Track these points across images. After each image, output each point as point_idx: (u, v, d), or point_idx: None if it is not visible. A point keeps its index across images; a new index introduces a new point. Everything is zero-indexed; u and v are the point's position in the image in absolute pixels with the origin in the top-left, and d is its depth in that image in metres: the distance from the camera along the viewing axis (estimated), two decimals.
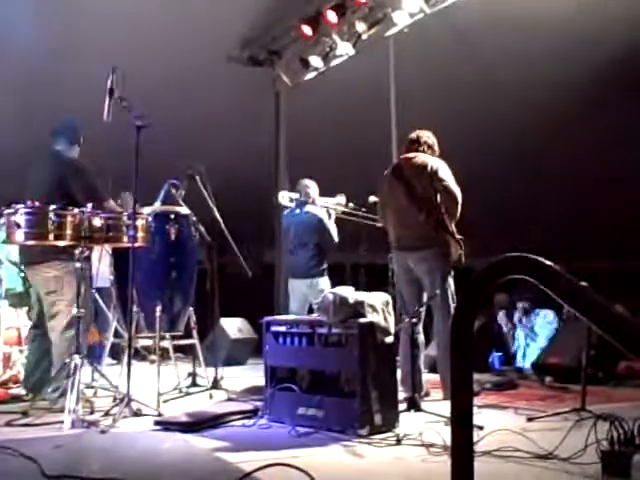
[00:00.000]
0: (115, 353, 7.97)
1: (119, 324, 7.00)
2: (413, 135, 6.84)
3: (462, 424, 2.36)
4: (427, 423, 5.03)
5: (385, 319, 5.23)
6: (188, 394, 6.77)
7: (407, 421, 5.14)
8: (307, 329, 5.35)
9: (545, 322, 9.09)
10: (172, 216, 6.87)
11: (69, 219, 5.53)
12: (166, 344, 6.86)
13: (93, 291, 7.60)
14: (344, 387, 5.09)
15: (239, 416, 5.49)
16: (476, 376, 4.90)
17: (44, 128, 6.56)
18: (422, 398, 6.00)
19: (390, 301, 5.43)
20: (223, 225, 7.11)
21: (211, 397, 6.64)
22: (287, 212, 8.83)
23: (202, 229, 7.14)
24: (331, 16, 8.97)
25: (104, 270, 7.56)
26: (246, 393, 6.63)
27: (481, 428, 4.70)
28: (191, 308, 7.05)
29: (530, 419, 5.36)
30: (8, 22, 8.90)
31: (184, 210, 7.04)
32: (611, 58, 10.62)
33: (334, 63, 9.53)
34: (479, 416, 5.15)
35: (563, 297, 2.23)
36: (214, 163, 7.26)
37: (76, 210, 5.58)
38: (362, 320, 5.06)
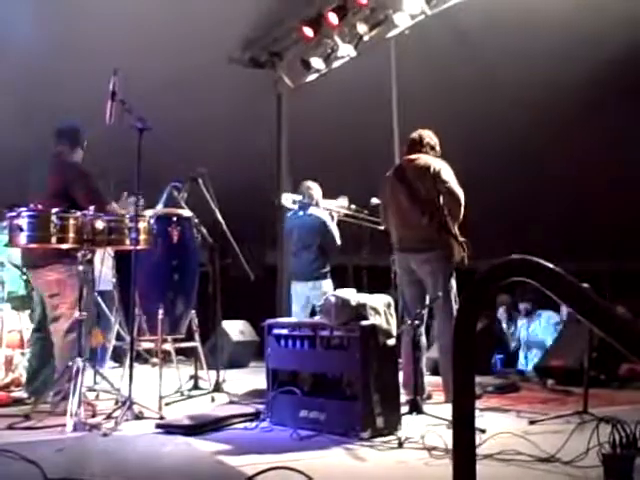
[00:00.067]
0: (117, 356, 7.97)
1: (121, 327, 7.00)
2: (415, 135, 6.83)
3: (464, 427, 2.35)
4: (429, 426, 5.03)
5: (387, 321, 5.23)
6: (190, 397, 6.77)
7: (409, 424, 5.13)
8: (309, 332, 5.34)
9: (548, 324, 9.10)
10: (174, 218, 6.87)
11: (71, 222, 5.54)
12: (168, 347, 6.86)
13: (95, 294, 7.60)
14: (346, 390, 5.08)
15: (241, 419, 5.48)
16: (478, 379, 4.91)
17: (44, 129, 6.57)
18: (424, 401, 6.00)
19: (392, 303, 5.43)
20: (225, 227, 7.10)
21: (213, 400, 6.64)
22: (290, 214, 8.83)
23: (204, 231, 7.14)
24: (332, 18, 8.97)
25: (106, 273, 7.56)
26: (248, 396, 6.61)
27: (483, 431, 4.70)
28: (193, 311, 7.05)
29: (532, 422, 5.34)
30: (8, 22, 8.91)
31: (186, 212, 7.03)
32: (611, 59, 10.61)
33: (335, 65, 9.54)
34: (481, 419, 5.15)
35: (565, 300, 2.23)
36: (216, 165, 7.26)
37: (78, 213, 5.58)
38: (364, 322, 5.06)
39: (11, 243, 5.69)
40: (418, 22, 8.48)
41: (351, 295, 5.24)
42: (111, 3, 9.06)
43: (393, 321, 5.31)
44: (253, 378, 7.95)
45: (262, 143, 10.68)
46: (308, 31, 9.33)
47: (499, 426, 5.04)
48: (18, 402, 6.39)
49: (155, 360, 7.68)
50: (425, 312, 6.47)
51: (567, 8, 9.59)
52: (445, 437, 4.49)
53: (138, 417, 5.51)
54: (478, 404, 4.46)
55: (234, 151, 10.92)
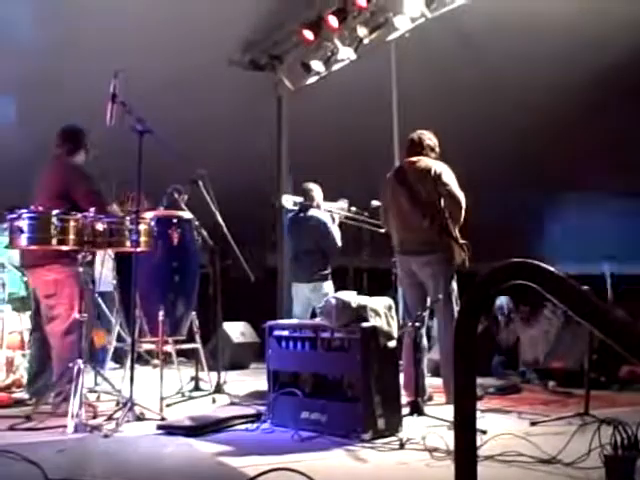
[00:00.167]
0: (118, 357, 7.97)
1: (122, 328, 7.01)
2: (415, 137, 6.82)
3: (465, 428, 2.36)
4: (430, 427, 5.04)
5: (388, 323, 5.23)
6: (191, 398, 6.77)
7: (410, 425, 5.13)
8: (310, 333, 5.35)
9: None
10: (175, 220, 6.88)
11: (72, 224, 5.54)
12: (169, 348, 6.87)
13: (96, 295, 7.60)
14: (347, 391, 5.09)
15: (242, 420, 5.49)
16: (479, 380, 4.91)
17: (45, 130, 6.57)
18: (425, 402, 5.99)
19: (393, 305, 5.44)
20: (225, 229, 7.11)
21: (214, 401, 6.64)
22: (291, 216, 8.84)
23: (204, 233, 7.14)
24: (332, 21, 8.97)
25: (107, 274, 7.57)
26: (249, 397, 6.62)
27: (484, 432, 4.70)
28: (194, 312, 7.05)
29: (533, 423, 5.35)
30: (8, 22, 8.91)
31: (186, 214, 7.04)
32: (614, 63, 10.62)
33: (336, 68, 9.54)
34: (482, 420, 5.15)
35: (565, 302, 2.23)
36: (216, 167, 7.26)
37: (79, 215, 5.58)
38: (365, 324, 5.07)
39: (11, 245, 5.69)
40: (418, 25, 8.48)
41: (352, 297, 5.25)
42: (112, 3, 9.06)
43: (394, 323, 5.32)
44: (254, 379, 7.95)
45: (262, 145, 10.69)
46: (308, 34, 9.34)
47: (500, 427, 5.04)
48: (19, 403, 6.40)
49: (156, 361, 7.70)
50: (426, 314, 6.48)
51: (570, 12, 9.59)
52: (446, 438, 4.50)
53: (139, 418, 5.52)
54: (479, 405, 4.46)
55: (234, 153, 10.93)
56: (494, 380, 7.86)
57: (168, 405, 6.18)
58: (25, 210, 5.50)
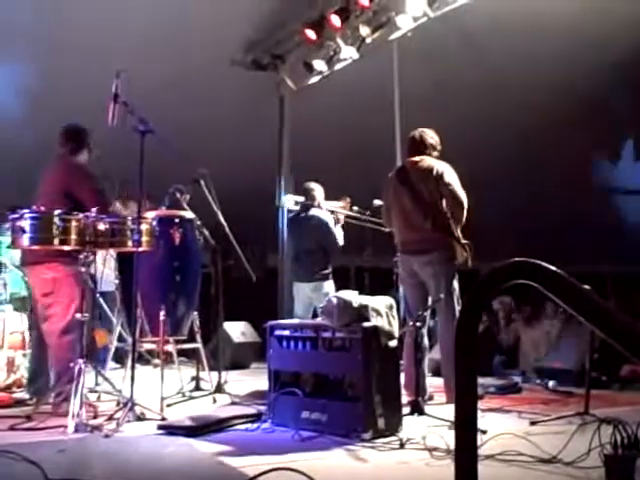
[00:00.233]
0: (119, 357, 7.97)
1: (123, 328, 7.01)
2: (416, 135, 6.81)
3: (466, 428, 2.36)
4: (431, 427, 5.04)
5: (389, 323, 5.23)
6: (192, 398, 6.76)
7: (411, 425, 5.14)
8: (311, 333, 5.36)
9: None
10: (176, 220, 6.88)
11: (74, 224, 5.54)
12: (170, 348, 6.87)
13: (97, 295, 7.61)
14: (348, 391, 5.09)
15: (243, 420, 5.49)
16: (479, 380, 4.91)
17: (46, 129, 6.57)
18: (426, 402, 5.99)
19: (394, 305, 5.44)
20: (227, 229, 7.11)
21: (215, 401, 6.65)
22: (292, 215, 8.84)
23: (206, 233, 7.15)
24: (335, 20, 8.96)
25: (109, 274, 7.57)
26: (250, 397, 6.62)
27: (484, 432, 4.70)
28: (195, 312, 7.05)
29: (533, 423, 5.35)
30: (8, 21, 8.91)
31: (188, 214, 7.05)
32: (616, 62, 10.63)
33: (338, 67, 9.53)
34: (482, 420, 5.16)
35: (566, 302, 2.23)
36: (218, 167, 7.26)
37: (81, 215, 5.58)
38: (366, 324, 5.07)
39: (13, 245, 5.69)
40: (421, 24, 8.47)
41: (353, 297, 5.25)
42: (114, 3, 9.07)
43: (395, 323, 5.32)
44: (255, 379, 7.95)
45: (264, 145, 10.68)
46: (310, 33, 9.33)
47: (500, 427, 5.05)
48: (20, 403, 6.40)
49: (157, 361, 7.70)
50: (427, 313, 6.48)
51: (572, 11, 9.59)
52: (446, 438, 4.50)
53: (140, 418, 5.52)
54: (480, 405, 4.46)
55: (236, 153, 10.93)
56: (494, 380, 7.86)
57: (169, 405, 6.18)
58: (27, 210, 5.50)
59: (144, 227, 5.94)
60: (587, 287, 2.35)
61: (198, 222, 7.10)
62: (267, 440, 5.01)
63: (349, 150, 11.50)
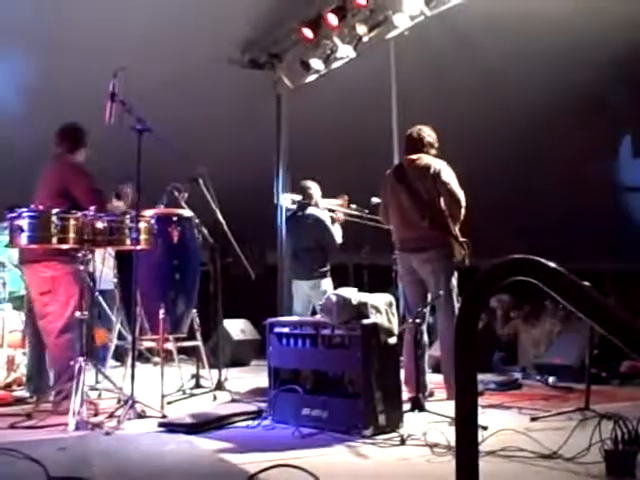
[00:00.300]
0: (119, 355, 7.98)
1: (123, 326, 7.01)
2: (414, 133, 6.80)
3: (466, 424, 2.36)
4: (431, 423, 5.04)
5: (389, 320, 5.24)
6: (192, 396, 6.78)
7: (411, 421, 5.14)
8: (311, 330, 5.36)
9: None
10: (175, 218, 6.88)
11: (72, 222, 5.55)
12: (170, 346, 6.87)
13: (97, 294, 7.61)
14: (348, 388, 5.10)
15: (243, 417, 5.49)
16: (480, 376, 4.92)
17: (45, 128, 6.57)
18: (426, 398, 6.00)
19: (393, 302, 5.44)
20: (226, 227, 7.12)
21: (215, 398, 6.66)
22: (289, 214, 8.84)
23: (205, 231, 7.15)
24: (332, 19, 8.96)
25: (107, 273, 7.57)
26: (250, 394, 6.63)
27: (485, 428, 4.70)
28: (194, 310, 7.06)
29: (534, 419, 5.36)
30: (8, 21, 8.91)
31: (187, 212, 7.05)
32: (611, 61, 10.64)
33: (335, 66, 9.52)
34: (483, 416, 5.15)
35: (566, 298, 2.24)
36: (216, 165, 7.26)
37: (79, 213, 5.59)
38: (365, 321, 5.07)
39: (12, 244, 5.69)
40: (417, 23, 8.47)
41: (352, 294, 5.26)
42: (112, 3, 9.07)
43: (394, 320, 5.33)
44: (254, 377, 7.96)
45: (262, 143, 10.68)
46: (307, 32, 9.32)
47: (501, 423, 5.06)
48: (20, 401, 6.41)
49: (157, 359, 7.71)
50: (427, 310, 6.49)
51: (567, 11, 9.60)
52: (447, 434, 4.51)
53: (140, 416, 5.54)
54: (480, 401, 4.47)
55: (234, 151, 10.93)
56: (495, 376, 7.86)
57: (169, 402, 6.20)
58: (25, 209, 5.50)
59: (142, 225, 5.95)
60: (587, 284, 2.35)
61: (196, 220, 7.11)
62: (268, 437, 5.02)
63: (346, 148, 11.50)
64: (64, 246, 5.61)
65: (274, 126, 10.68)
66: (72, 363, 5.47)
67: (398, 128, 9.39)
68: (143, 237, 5.93)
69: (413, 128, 6.84)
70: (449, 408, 4.92)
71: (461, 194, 6.49)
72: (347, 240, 8.49)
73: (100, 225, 5.66)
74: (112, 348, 7.20)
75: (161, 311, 6.48)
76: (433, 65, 10.75)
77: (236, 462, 4.23)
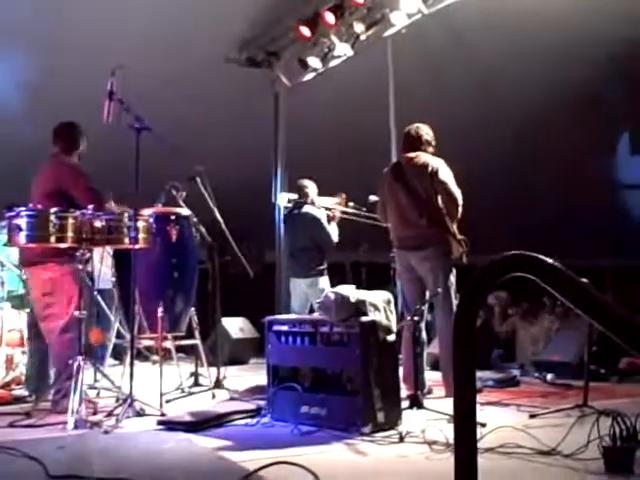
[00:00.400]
0: (117, 354, 7.98)
1: (121, 325, 7.01)
2: (412, 131, 6.80)
3: (465, 421, 2.36)
4: (430, 420, 5.04)
5: (387, 317, 5.25)
6: (191, 394, 6.76)
7: (410, 419, 5.13)
8: (309, 328, 5.36)
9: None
10: (173, 217, 6.88)
11: (70, 221, 5.54)
12: (168, 344, 6.86)
13: (95, 293, 7.61)
14: (346, 385, 5.10)
15: (242, 415, 5.50)
16: (478, 373, 4.92)
17: (43, 127, 6.56)
18: (424, 396, 6.00)
19: (392, 299, 5.45)
20: (224, 225, 7.12)
21: (214, 397, 6.66)
22: (286, 212, 8.84)
23: (203, 230, 7.15)
24: (329, 17, 8.96)
25: (106, 272, 7.56)
26: (249, 392, 6.62)
27: (483, 425, 4.71)
28: (193, 308, 7.06)
29: (532, 416, 5.36)
30: (8, 20, 8.91)
31: (185, 211, 7.05)
32: (608, 58, 10.65)
33: (332, 64, 9.53)
34: (481, 413, 5.16)
35: (564, 295, 2.24)
36: (214, 163, 7.28)
37: (77, 212, 5.58)
38: (364, 319, 5.08)
39: (10, 243, 5.68)
40: (415, 21, 8.48)
41: (351, 292, 5.26)
42: (113, 3, 9.07)
43: (393, 317, 5.33)
44: (253, 375, 7.97)
45: (260, 141, 10.69)
46: (305, 30, 9.33)
47: (499, 420, 5.06)
48: (19, 400, 6.41)
49: (155, 358, 7.70)
50: (425, 308, 6.50)
51: (564, 8, 9.61)
52: (446, 431, 4.52)
53: (139, 414, 5.53)
54: (478, 398, 4.47)
55: (232, 149, 10.95)
56: (493, 373, 7.87)
57: (168, 401, 6.18)
58: (23, 208, 5.50)
59: (141, 224, 5.94)
60: (585, 280, 2.35)
61: (195, 219, 7.11)
62: (266, 435, 5.02)
63: (344, 146, 11.52)
64: (62, 245, 5.61)
65: (272, 124, 10.69)
66: (71, 362, 5.47)
67: (396, 126, 9.40)
68: (141, 236, 5.92)
69: (411, 126, 6.84)
70: (448, 405, 4.97)
71: (458, 193, 6.50)
72: (345, 238, 8.49)
73: (98, 224, 5.65)
74: (110, 347, 7.20)
75: (160, 309, 6.47)
76: (430, 63, 10.76)
77: (235, 460, 4.23)
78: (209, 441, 4.80)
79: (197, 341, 7.12)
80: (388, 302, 5.36)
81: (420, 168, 6.56)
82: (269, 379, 5.54)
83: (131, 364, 5.76)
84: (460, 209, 6.52)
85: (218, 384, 6.91)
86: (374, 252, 9.15)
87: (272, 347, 5.57)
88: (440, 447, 4.36)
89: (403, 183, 6.60)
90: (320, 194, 8.53)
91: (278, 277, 10.41)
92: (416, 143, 6.73)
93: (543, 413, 5.40)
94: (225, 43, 10.25)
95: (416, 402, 5.46)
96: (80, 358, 5.45)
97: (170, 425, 5.20)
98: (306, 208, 8.36)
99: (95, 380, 6.82)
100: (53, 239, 5.52)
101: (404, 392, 5.62)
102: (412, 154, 6.69)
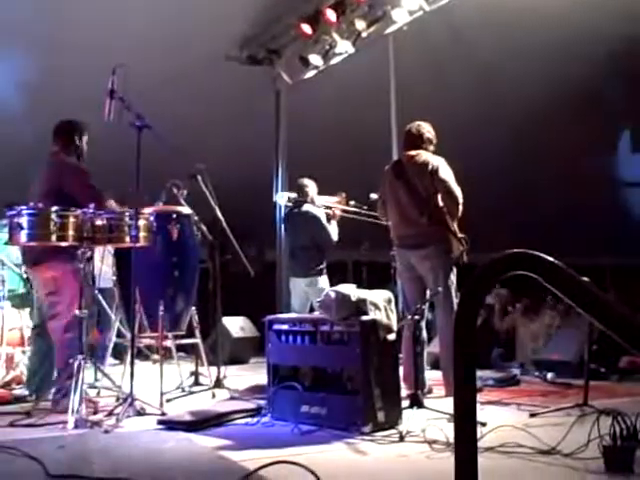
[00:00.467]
0: (118, 353, 7.98)
1: (122, 324, 7.01)
2: (413, 129, 6.80)
3: (465, 420, 2.36)
4: (430, 420, 5.04)
5: (387, 316, 5.24)
6: (191, 393, 6.76)
7: (410, 418, 5.13)
8: (309, 327, 5.36)
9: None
10: (174, 216, 6.87)
11: (71, 220, 5.53)
12: (169, 343, 6.86)
13: (96, 292, 7.60)
14: (347, 385, 5.09)
15: (242, 414, 5.49)
16: (478, 373, 4.92)
17: (44, 126, 6.56)
18: (425, 395, 6.00)
19: (392, 298, 5.45)
20: (225, 224, 7.11)
21: (214, 396, 6.65)
22: (286, 211, 8.84)
23: (204, 228, 7.14)
24: (330, 14, 8.97)
25: (106, 271, 7.56)
26: (249, 392, 6.62)
27: (484, 424, 4.70)
28: (193, 307, 7.05)
29: (533, 415, 5.36)
30: (8, 19, 8.91)
31: (186, 209, 7.04)
32: (608, 55, 10.64)
33: (334, 61, 9.54)
34: (482, 412, 5.16)
35: (565, 293, 2.23)
36: (215, 161, 7.26)
37: (78, 211, 5.58)
38: (364, 318, 5.07)
39: (11, 241, 5.68)
40: (416, 18, 8.48)
41: (351, 290, 5.26)
42: (112, 3, 9.07)
43: (393, 316, 5.33)
44: (254, 374, 7.96)
45: (261, 139, 10.69)
46: (306, 28, 9.34)
47: (500, 419, 5.06)
48: (19, 400, 6.38)
49: (156, 357, 7.70)
50: (426, 307, 6.49)
51: (563, 5, 9.61)
52: (446, 430, 4.51)
53: (139, 413, 5.52)
54: (478, 398, 4.46)
55: (233, 147, 10.94)
56: (493, 372, 7.87)
57: (168, 400, 6.18)
58: (24, 206, 5.50)
59: (142, 223, 5.93)
60: (586, 279, 2.35)
61: (195, 217, 7.10)
62: (267, 434, 5.01)
63: (345, 144, 11.52)
64: (63, 244, 5.60)
65: (273, 122, 10.69)
66: (71, 361, 5.47)
67: (397, 123, 9.39)
68: (142, 234, 5.92)
69: (412, 124, 6.84)
70: (448, 405, 4.97)
71: (458, 192, 6.50)
72: (346, 237, 8.49)
73: (99, 222, 5.65)
74: (111, 346, 7.19)
75: (160, 308, 6.47)
76: (432, 60, 10.76)
77: (235, 459, 4.23)
78: (209, 440, 4.80)
79: (197, 340, 7.11)
80: (389, 301, 5.36)
81: (420, 166, 6.55)
82: (269, 378, 5.54)
83: (131, 363, 5.76)
84: (460, 208, 6.52)
85: (218, 383, 6.90)
86: (375, 251, 9.15)
87: (272, 346, 5.57)
88: (440, 446, 4.35)
89: (404, 181, 6.60)
90: (321, 192, 8.53)
91: (279, 276, 10.41)
92: (417, 141, 6.73)
93: (543, 412, 5.39)
94: (225, 42, 10.26)
95: (416, 401, 5.46)
96: (80, 357, 5.45)
97: (170, 424, 5.19)
98: (306, 207, 8.35)
99: (95, 379, 6.82)
100: (54, 237, 5.51)
101: (404, 391, 5.61)
102: (413, 152, 6.68)
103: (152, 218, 6.30)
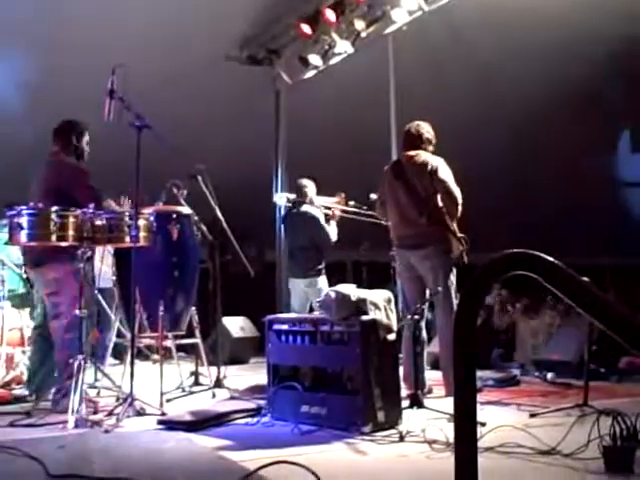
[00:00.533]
0: (118, 353, 7.98)
1: (122, 324, 7.01)
2: (412, 129, 6.79)
3: (465, 420, 2.36)
4: (430, 420, 5.04)
5: (387, 316, 5.24)
6: (191, 393, 6.76)
7: (410, 418, 5.13)
8: (309, 327, 5.36)
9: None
10: (174, 216, 6.87)
11: (71, 220, 5.53)
12: (169, 343, 6.86)
13: (96, 292, 7.60)
14: (347, 385, 5.09)
15: (242, 414, 5.50)
16: (478, 373, 4.92)
17: (44, 126, 6.56)
18: (425, 395, 6.00)
19: (392, 298, 5.45)
20: (225, 224, 7.11)
21: (214, 396, 6.65)
22: (285, 212, 8.84)
23: (204, 228, 7.14)
24: (330, 14, 8.98)
25: (106, 271, 7.56)
26: (249, 392, 6.62)
27: (484, 424, 4.70)
28: (193, 307, 7.05)
29: (532, 415, 5.36)
30: (8, 19, 8.92)
31: (186, 210, 7.04)
32: (607, 55, 10.64)
33: (333, 61, 9.54)
34: (481, 412, 5.15)
35: (565, 293, 2.23)
36: (215, 162, 7.26)
37: (78, 211, 5.58)
38: (364, 318, 5.08)
39: (11, 241, 5.68)
40: (416, 18, 8.48)
41: (351, 290, 5.26)
42: (113, 3, 9.07)
43: (393, 316, 5.33)
44: (254, 374, 7.96)
45: (261, 139, 10.69)
46: (306, 28, 9.34)
47: (500, 419, 5.06)
48: (19, 400, 6.39)
49: (156, 357, 7.70)
50: (425, 307, 6.49)
51: (562, 5, 9.61)
52: (446, 430, 4.52)
53: (139, 413, 5.52)
54: (478, 398, 4.46)
55: (233, 148, 10.94)
56: (493, 373, 7.87)
57: (168, 400, 6.18)
58: (24, 207, 5.50)
59: (142, 223, 5.94)
60: (586, 279, 2.35)
61: (195, 217, 7.10)
62: (267, 434, 5.02)
63: (345, 144, 11.52)
64: (63, 244, 5.60)
65: (273, 122, 10.69)
66: (71, 361, 5.47)
67: (396, 123, 9.39)
68: (142, 234, 5.92)
69: (411, 124, 6.83)
70: (448, 405, 4.97)
71: (457, 192, 6.50)
72: (346, 237, 8.49)
73: (99, 222, 5.65)
74: (111, 346, 7.19)
75: (160, 308, 6.47)
76: (431, 60, 10.76)
77: (235, 459, 4.23)
78: (209, 440, 4.80)
79: (197, 340, 7.11)
80: (389, 301, 5.36)
81: (420, 166, 6.55)
82: (269, 378, 5.54)
83: (131, 363, 5.76)
84: (460, 208, 6.52)
85: (218, 383, 6.90)
86: (375, 251, 9.15)
87: (272, 346, 5.57)
88: (440, 446, 4.36)
89: (403, 181, 6.60)
90: (321, 192, 8.53)
91: (278, 276, 10.41)
92: (416, 141, 6.73)
93: (543, 412, 5.39)
94: (225, 42, 10.26)
95: (416, 401, 5.46)
96: (81, 357, 5.45)
97: (170, 424, 5.19)
98: (305, 207, 8.35)
99: (95, 379, 6.82)
100: (54, 238, 5.51)
101: (404, 391, 5.62)
102: (412, 152, 6.68)
103: (152, 218, 6.31)
